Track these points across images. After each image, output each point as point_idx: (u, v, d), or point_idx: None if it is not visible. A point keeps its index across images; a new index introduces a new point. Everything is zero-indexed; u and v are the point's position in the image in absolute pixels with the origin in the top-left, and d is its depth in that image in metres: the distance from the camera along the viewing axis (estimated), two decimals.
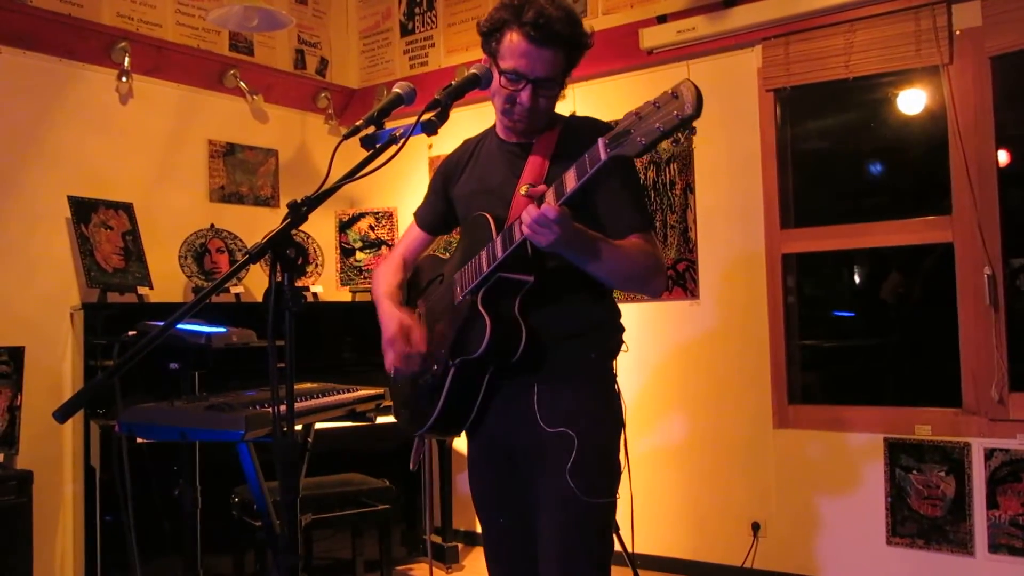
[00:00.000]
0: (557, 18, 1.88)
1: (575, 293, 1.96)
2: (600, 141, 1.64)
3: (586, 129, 1.95)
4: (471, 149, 2.20)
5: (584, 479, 1.90)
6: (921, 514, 3.41)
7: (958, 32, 3.34)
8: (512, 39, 1.91)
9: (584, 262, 1.85)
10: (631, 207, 1.98)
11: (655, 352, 4.05)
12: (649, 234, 1.99)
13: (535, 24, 1.87)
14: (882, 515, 3.49)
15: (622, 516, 2.19)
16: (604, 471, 1.97)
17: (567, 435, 1.91)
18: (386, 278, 2.22)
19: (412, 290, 2.24)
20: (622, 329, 2.10)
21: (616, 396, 2.06)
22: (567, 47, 1.92)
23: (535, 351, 1.91)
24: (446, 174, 2.23)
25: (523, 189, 1.92)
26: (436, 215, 2.26)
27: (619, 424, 2.03)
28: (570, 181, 1.69)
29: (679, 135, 3.90)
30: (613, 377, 2.07)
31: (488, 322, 1.86)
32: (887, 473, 3.48)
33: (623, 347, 2.09)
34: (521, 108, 1.95)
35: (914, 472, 3.42)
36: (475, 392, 1.97)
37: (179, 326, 1.79)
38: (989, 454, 3.28)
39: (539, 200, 1.73)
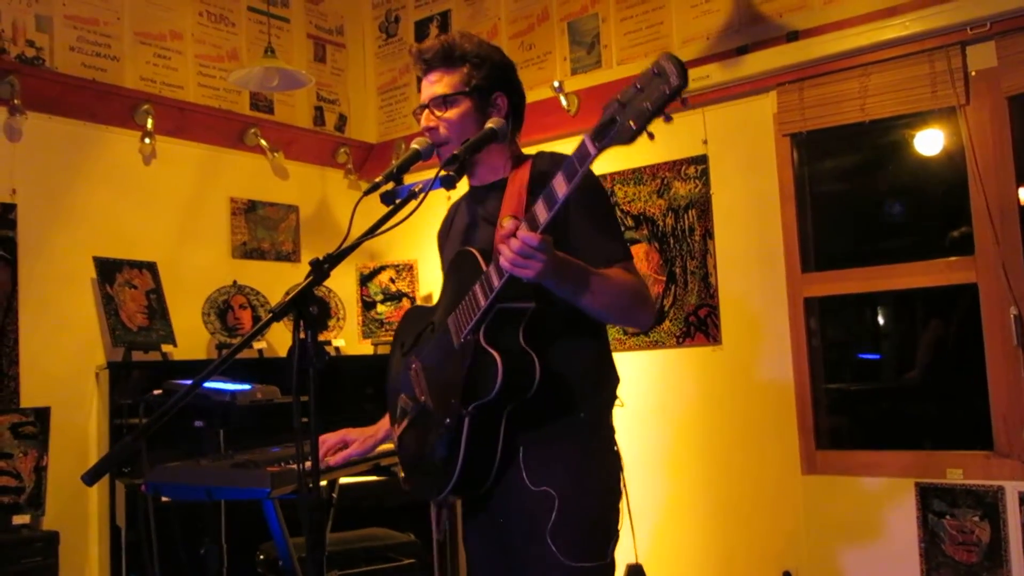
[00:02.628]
0: (430, 46, 2.06)
1: (564, 336, 1.92)
2: (585, 138, 1.57)
3: (547, 158, 2.03)
4: (452, 211, 2.26)
5: (567, 541, 1.83)
6: (956, 560, 3.34)
7: (973, 73, 3.35)
8: (419, 85, 2.12)
9: (574, 294, 1.78)
10: (607, 235, 1.94)
11: (678, 399, 4.02)
12: (631, 263, 1.94)
13: (416, 59, 2.08)
14: (916, 562, 3.41)
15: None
16: (590, 533, 1.89)
17: (549, 495, 1.85)
18: None
19: (402, 348, 2.17)
20: (617, 380, 2.03)
21: (612, 454, 1.98)
22: (449, 62, 2.04)
23: (552, 385, 1.83)
24: (440, 243, 2.29)
25: (505, 220, 1.91)
26: None
27: (613, 482, 1.96)
28: (542, 208, 1.65)
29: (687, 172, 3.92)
30: (610, 432, 2.00)
31: (498, 358, 1.76)
32: (920, 518, 3.41)
33: (618, 401, 2.02)
34: (427, 133, 2.04)
35: (947, 517, 3.36)
36: (494, 440, 1.86)
37: (204, 384, 1.80)
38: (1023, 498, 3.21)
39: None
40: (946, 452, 3.42)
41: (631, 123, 1.50)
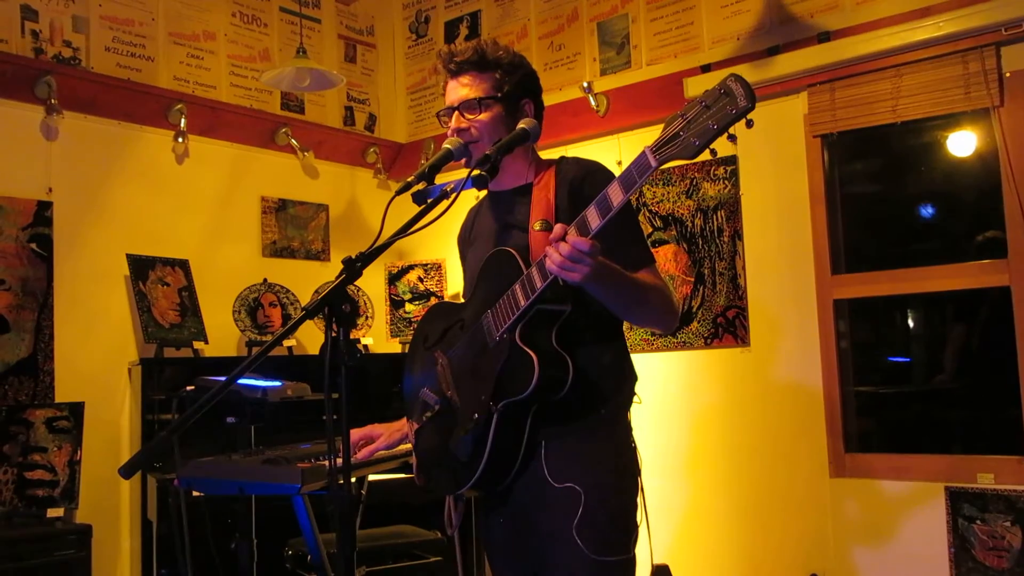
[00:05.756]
0: (462, 49, 2.08)
1: (588, 336, 1.94)
2: (646, 149, 1.61)
3: (572, 164, 2.06)
4: (471, 215, 2.31)
5: (593, 536, 1.86)
6: (987, 566, 3.31)
7: (1008, 74, 3.31)
8: (445, 86, 2.13)
9: (611, 297, 1.82)
10: (635, 241, 1.99)
11: (706, 400, 4.01)
12: (655, 267, 1.99)
13: (446, 62, 2.09)
14: (946, 567, 3.38)
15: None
16: (615, 528, 1.91)
17: (574, 491, 1.87)
18: None
19: (424, 343, 2.19)
20: (635, 378, 2.06)
21: (630, 450, 2.01)
22: (481, 66, 2.06)
23: (576, 383, 1.86)
24: (462, 247, 2.33)
25: (536, 224, 1.93)
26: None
27: (633, 478, 1.98)
28: (594, 214, 1.68)
29: (721, 170, 3.92)
30: (628, 429, 2.03)
31: (535, 358, 1.80)
32: (949, 523, 3.39)
33: (636, 399, 2.05)
34: (458, 133, 2.06)
35: (978, 522, 3.33)
36: (519, 437, 1.89)
37: (236, 381, 1.82)
38: None
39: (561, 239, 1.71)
40: (977, 456, 3.39)
41: (694, 140, 1.54)
